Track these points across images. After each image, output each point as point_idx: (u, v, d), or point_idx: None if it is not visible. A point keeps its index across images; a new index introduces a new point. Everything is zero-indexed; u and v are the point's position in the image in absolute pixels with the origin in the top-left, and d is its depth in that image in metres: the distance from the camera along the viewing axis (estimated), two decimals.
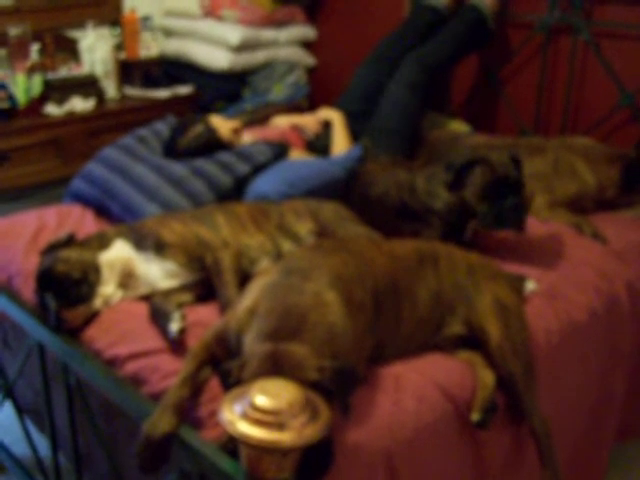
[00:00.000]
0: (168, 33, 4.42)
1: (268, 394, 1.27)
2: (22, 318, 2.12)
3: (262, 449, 1.24)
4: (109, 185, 2.67)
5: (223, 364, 1.53)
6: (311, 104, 4.33)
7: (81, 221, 2.66)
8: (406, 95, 3.25)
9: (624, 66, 3.20)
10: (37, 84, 3.59)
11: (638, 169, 2.77)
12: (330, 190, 2.64)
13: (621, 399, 2.37)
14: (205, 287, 2.12)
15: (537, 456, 1.85)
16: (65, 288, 1.99)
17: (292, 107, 4.14)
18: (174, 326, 1.84)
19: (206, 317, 1.99)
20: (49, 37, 3.82)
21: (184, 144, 2.82)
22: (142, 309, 2.04)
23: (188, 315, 1.93)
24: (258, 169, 2.74)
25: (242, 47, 4.06)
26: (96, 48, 3.88)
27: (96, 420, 1.97)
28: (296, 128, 3.37)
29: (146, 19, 4.18)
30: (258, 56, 4.19)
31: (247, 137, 3.05)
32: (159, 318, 1.93)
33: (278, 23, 4.25)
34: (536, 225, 2.57)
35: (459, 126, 3.57)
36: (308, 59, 4.45)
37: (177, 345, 1.85)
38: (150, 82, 4.04)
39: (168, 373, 1.77)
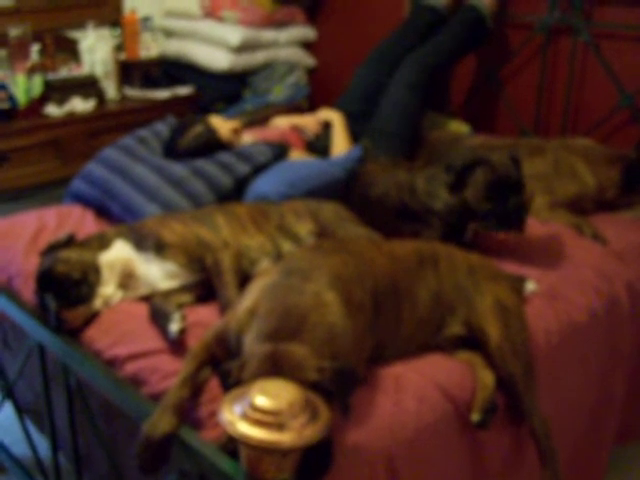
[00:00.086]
0: (168, 34, 4.42)
1: (268, 394, 1.27)
2: (22, 319, 2.12)
3: (262, 449, 1.24)
4: (109, 185, 2.67)
5: (223, 364, 1.53)
6: (311, 105, 4.33)
7: (81, 222, 2.66)
8: (406, 95, 3.25)
9: (624, 67, 3.20)
10: (37, 85, 3.59)
11: (638, 170, 2.77)
12: (330, 191, 2.64)
13: (621, 400, 2.36)
14: (205, 288, 2.12)
15: (537, 456, 1.84)
16: (65, 289, 1.99)
17: (292, 108, 4.14)
18: (174, 326, 1.84)
19: (206, 318, 1.99)
20: (49, 38, 3.82)
21: (184, 144, 2.82)
22: (142, 310, 2.04)
23: (188, 316, 1.93)
24: (258, 170, 2.74)
25: (242, 48, 4.06)
26: (96, 49, 3.89)
27: (96, 420, 1.97)
28: (296, 129, 3.37)
29: (146, 20, 4.18)
30: (258, 57, 4.19)
31: (247, 138, 3.05)
32: (159, 319, 1.93)
33: (278, 24, 4.26)
34: (536, 226, 2.56)
35: (459, 126, 3.57)
36: (308, 60, 4.45)
37: (177, 346, 1.85)
38: (150, 83, 4.04)
39: (168, 373, 1.77)
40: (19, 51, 3.64)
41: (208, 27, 4.17)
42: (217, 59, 4.08)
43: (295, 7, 4.33)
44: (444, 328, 1.90)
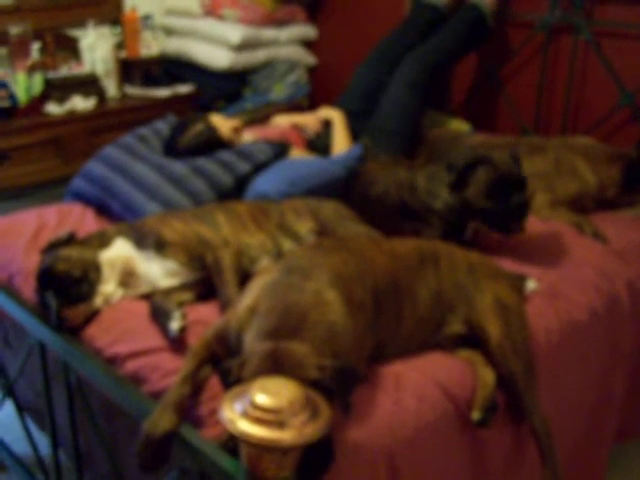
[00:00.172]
0: (169, 32, 4.42)
1: (268, 392, 1.27)
2: (23, 317, 2.12)
3: (262, 447, 1.24)
4: (109, 184, 2.67)
5: (223, 363, 1.53)
6: (311, 103, 4.33)
7: (81, 220, 2.66)
8: (406, 94, 3.25)
9: (624, 66, 3.20)
10: (38, 83, 3.59)
11: (639, 168, 2.77)
12: (330, 189, 2.64)
13: (621, 399, 2.36)
14: (205, 286, 2.12)
15: (537, 455, 1.85)
16: (66, 287, 1.99)
17: (293, 106, 4.15)
18: (174, 325, 1.84)
19: (206, 316, 1.99)
20: (50, 36, 3.82)
21: (184, 143, 2.82)
22: (142, 308, 2.04)
23: (188, 314, 1.93)
24: (258, 168, 2.74)
25: (243, 46, 4.06)
26: (97, 47, 3.89)
27: (96, 419, 1.97)
28: (296, 127, 3.37)
29: (147, 18, 4.18)
30: (259, 55, 4.19)
31: (247, 136, 3.05)
32: (159, 317, 1.93)
33: (279, 22, 4.26)
34: (537, 224, 2.56)
35: (459, 125, 3.57)
36: (309, 58, 4.45)
37: (177, 344, 1.85)
38: (150, 81, 4.04)
39: (168, 372, 1.77)
40: (19, 49, 3.64)
41: (208, 25, 4.17)
42: (217, 57, 4.08)
43: (296, 5, 4.33)
44: (444, 326, 1.90)
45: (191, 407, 1.66)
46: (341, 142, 3.19)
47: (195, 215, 2.25)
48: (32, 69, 3.62)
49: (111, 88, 3.93)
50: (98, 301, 2.04)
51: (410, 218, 2.49)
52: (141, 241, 2.14)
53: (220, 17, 4.15)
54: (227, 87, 4.22)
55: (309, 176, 2.63)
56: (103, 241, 2.14)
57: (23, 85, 3.53)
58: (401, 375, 1.77)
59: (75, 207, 2.75)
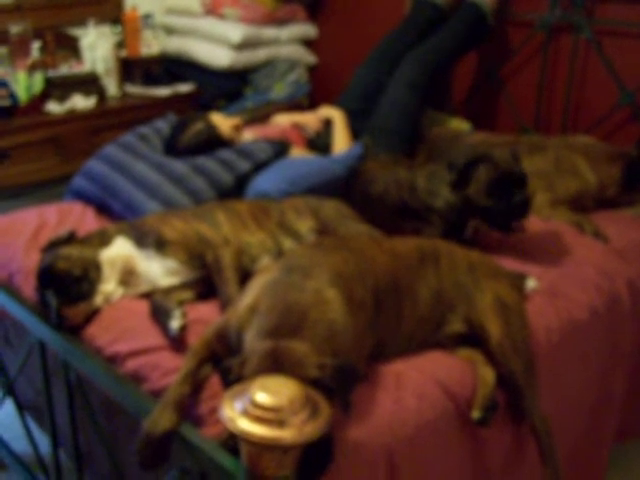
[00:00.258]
0: (169, 31, 4.42)
1: (268, 391, 1.27)
2: (23, 315, 2.12)
3: (262, 446, 1.24)
4: (110, 183, 2.67)
5: (224, 361, 1.53)
6: (312, 102, 4.33)
7: (82, 219, 2.66)
8: (406, 94, 3.25)
9: (625, 64, 3.20)
10: (38, 82, 3.59)
11: (639, 167, 2.77)
12: (331, 188, 2.64)
13: (621, 398, 2.36)
14: (206, 285, 2.12)
15: (537, 454, 1.85)
16: (66, 285, 1.99)
17: (293, 105, 4.15)
18: (175, 323, 1.84)
19: (207, 314, 1.99)
20: (50, 35, 3.82)
21: (184, 141, 2.82)
22: (143, 306, 2.04)
23: (189, 312, 1.93)
24: (259, 167, 2.74)
25: (243, 45, 4.06)
26: (97, 46, 3.89)
27: (97, 417, 1.97)
28: (297, 126, 3.37)
29: (147, 17, 4.18)
30: (259, 54, 4.19)
31: (248, 135, 3.05)
32: (160, 315, 1.93)
33: (279, 21, 4.26)
34: (537, 223, 2.56)
35: (459, 124, 3.57)
36: (309, 57, 4.45)
37: (178, 342, 1.85)
38: (151, 80, 4.04)
39: (169, 370, 1.77)
40: (20, 48, 3.64)
41: (209, 24, 4.17)
42: (218, 56, 4.08)
43: (296, 5, 4.33)
44: (444, 325, 1.90)
45: (191, 406, 1.66)
46: (341, 141, 3.19)
47: (195, 214, 2.25)
48: (32, 68, 3.62)
49: (111, 87, 3.93)
50: (98, 300, 2.04)
51: (410, 217, 2.49)
52: (141, 240, 2.14)
53: (221, 16, 4.15)
54: (227, 86, 4.21)
55: (309, 175, 2.63)
56: (103, 240, 2.14)
57: (23, 84, 3.53)
58: (401, 374, 1.77)
59: (75, 206, 2.75)
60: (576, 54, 3.34)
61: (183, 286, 2.11)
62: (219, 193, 2.63)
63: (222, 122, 2.90)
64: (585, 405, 2.24)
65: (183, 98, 4.08)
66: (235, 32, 4.01)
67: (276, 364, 1.40)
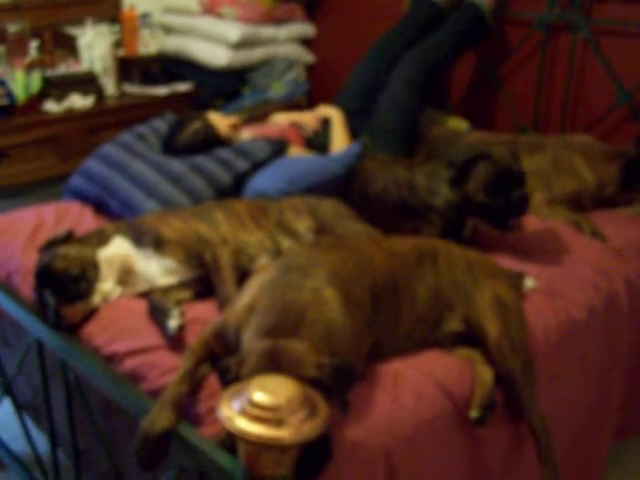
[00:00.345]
0: (167, 30, 4.41)
1: (266, 390, 1.27)
2: (21, 315, 2.12)
3: (261, 445, 1.24)
4: (108, 182, 2.66)
5: (222, 361, 1.53)
6: (310, 101, 4.33)
7: (80, 218, 2.66)
8: (404, 93, 3.25)
9: (623, 64, 3.20)
10: (36, 81, 3.58)
11: (637, 167, 2.77)
12: (329, 187, 2.64)
13: (620, 397, 2.37)
14: (204, 284, 2.11)
15: (536, 453, 1.85)
16: (64, 285, 1.99)
17: (291, 104, 4.15)
18: (173, 323, 1.84)
19: (205, 314, 1.99)
20: (48, 34, 3.82)
21: (182, 140, 2.81)
22: (141, 306, 2.03)
23: (187, 312, 1.93)
24: (257, 166, 2.74)
25: (241, 44, 4.06)
26: (95, 45, 3.88)
27: (95, 417, 1.97)
28: (295, 125, 3.37)
29: (145, 16, 4.17)
30: (257, 53, 4.18)
31: (246, 134, 3.04)
32: (158, 315, 1.93)
33: (277, 20, 4.25)
34: (535, 222, 2.57)
35: (458, 123, 3.57)
36: (307, 56, 4.44)
37: (176, 342, 1.85)
38: (149, 79, 4.04)
39: (167, 370, 1.77)
40: (18, 47, 3.64)
41: (207, 23, 4.17)
42: (216, 56, 4.08)
43: (294, 4, 4.32)
44: (443, 324, 1.90)
45: (189, 405, 1.66)
46: (340, 140, 3.19)
47: (193, 213, 2.25)
48: (30, 67, 3.61)
49: (109, 86, 3.93)
50: (96, 299, 2.04)
51: (409, 216, 2.49)
52: (139, 239, 2.14)
53: (219, 15, 4.15)
54: (226, 85, 4.21)
55: (308, 174, 2.62)
56: (101, 239, 2.14)
57: (21, 83, 3.53)
58: (399, 373, 1.77)
59: (73, 205, 2.75)
60: (574, 53, 3.34)
61: (181, 285, 2.11)
62: (217, 192, 2.62)
63: (220, 121, 2.90)
64: (584, 404, 2.24)
65: (181, 97, 4.08)
66: (233, 31, 4.01)
67: (274, 363, 1.40)
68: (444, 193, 2.39)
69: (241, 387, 1.31)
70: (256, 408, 1.25)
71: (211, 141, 2.83)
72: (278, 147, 2.85)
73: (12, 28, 3.62)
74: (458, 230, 2.41)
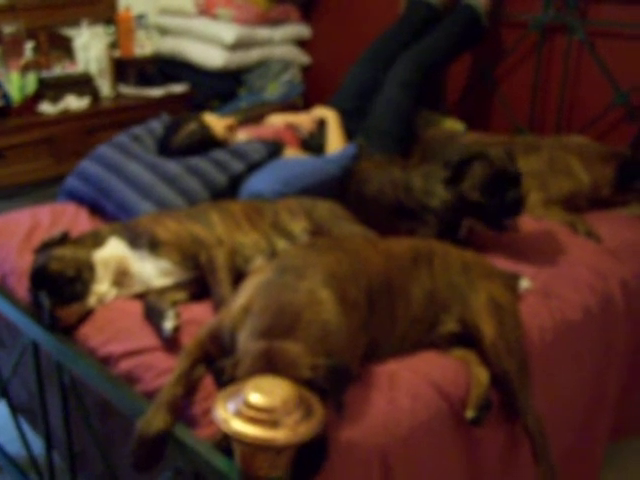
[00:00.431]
0: (163, 31, 4.41)
1: (262, 392, 1.27)
2: (16, 316, 2.12)
3: (256, 447, 1.24)
4: (104, 183, 2.66)
5: (217, 362, 1.53)
6: (306, 103, 4.33)
7: (75, 219, 2.65)
8: (399, 94, 3.25)
9: (618, 65, 3.20)
10: (31, 82, 3.58)
11: (633, 168, 2.77)
12: (325, 188, 2.64)
13: (615, 397, 2.37)
14: (199, 285, 2.11)
15: (531, 454, 1.85)
16: (59, 286, 1.99)
17: (287, 106, 4.15)
18: (168, 324, 1.84)
19: (200, 315, 1.99)
20: (43, 35, 3.81)
21: (177, 142, 2.81)
22: (136, 307, 2.03)
23: (182, 313, 1.93)
24: (253, 167, 2.74)
25: (237, 45, 4.06)
26: (90, 46, 3.88)
27: (90, 419, 1.96)
28: (291, 127, 3.37)
29: (141, 17, 4.17)
30: (253, 55, 4.18)
31: (242, 135, 3.04)
32: (153, 316, 1.93)
33: (273, 22, 4.25)
34: (530, 223, 2.57)
35: (453, 124, 3.57)
36: (303, 58, 4.45)
37: (171, 343, 1.85)
38: (145, 80, 4.03)
39: (162, 371, 1.77)
40: (13, 48, 3.63)
41: (203, 25, 4.17)
42: (212, 57, 4.08)
43: (290, 5, 4.32)
44: (438, 325, 1.90)
45: (185, 406, 1.66)
46: (335, 141, 3.19)
47: (189, 214, 2.25)
48: (26, 68, 3.61)
49: (105, 87, 3.92)
50: (92, 300, 2.04)
51: (405, 217, 2.49)
52: (135, 240, 2.14)
53: (214, 16, 4.14)
54: (221, 86, 4.21)
55: (303, 175, 2.62)
56: (97, 241, 2.14)
57: (17, 84, 3.52)
58: (395, 374, 1.77)
59: (69, 207, 2.74)
60: (570, 54, 3.35)
61: (177, 287, 2.11)
62: (213, 193, 2.62)
63: (216, 122, 2.90)
64: (579, 404, 2.24)
65: (177, 98, 4.07)
66: (229, 32, 4.01)
67: (269, 365, 1.40)
68: (440, 193, 2.39)
69: (236, 388, 1.31)
70: (251, 409, 1.25)
71: (207, 142, 2.83)
72: (274, 148, 2.85)
73: (7, 29, 3.62)
74: (454, 231, 2.42)
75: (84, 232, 2.24)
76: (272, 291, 1.59)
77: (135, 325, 1.96)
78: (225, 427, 1.25)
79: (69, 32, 3.98)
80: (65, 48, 3.96)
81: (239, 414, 1.25)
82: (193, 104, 4.11)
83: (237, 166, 2.71)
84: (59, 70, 3.81)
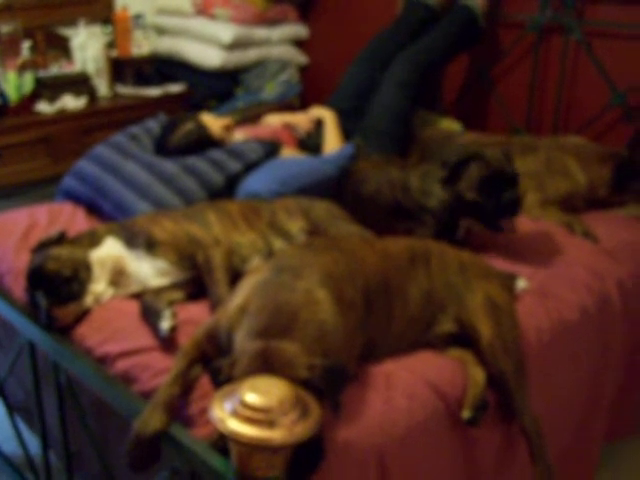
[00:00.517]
0: (160, 31, 4.41)
1: (258, 392, 1.27)
2: (13, 316, 2.11)
3: (252, 447, 1.24)
4: (100, 183, 2.66)
5: (214, 362, 1.52)
6: (303, 102, 4.33)
7: (72, 219, 2.65)
8: (397, 94, 3.25)
9: (615, 65, 3.21)
10: (28, 82, 3.58)
11: (629, 168, 2.77)
12: (322, 188, 2.64)
13: (611, 398, 2.37)
14: (196, 285, 2.11)
15: (528, 454, 1.85)
16: (56, 286, 1.99)
17: (284, 105, 4.14)
18: (165, 324, 1.84)
19: (197, 315, 1.99)
20: (40, 34, 3.81)
21: (174, 142, 2.81)
22: (133, 307, 2.03)
23: (179, 313, 1.93)
24: (250, 167, 2.74)
25: (234, 45, 4.06)
26: (88, 46, 3.88)
27: (87, 418, 1.96)
28: (288, 126, 3.37)
29: (138, 17, 4.16)
30: (250, 54, 4.18)
31: (239, 135, 3.04)
32: (150, 316, 1.93)
33: (270, 21, 4.25)
34: (527, 223, 2.57)
35: (450, 124, 3.57)
36: (300, 57, 4.44)
37: (168, 343, 1.85)
38: (142, 80, 4.03)
39: (159, 371, 1.77)
40: (10, 48, 3.63)
41: (200, 25, 4.17)
42: (209, 57, 4.08)
43: (287, 5, 4.32)
44: (435, 325, 1.90)
45: (181, 406, 1.65)
46: (332, 141, 3.19)
47: (186, 214, 2.25)
48: (23, 68, 3.61)
49: (102, 87, 3.92)
50: (88, 300, 2.04)
51: (403, 217, 2.49)
52: (131, 240, 2.13)
53: (212, 16, 4.14)
54: (219, 86, 4.21)
55: (300, 175, 2.62)
56: (93, 240, 2.14)
57: (14, 84, 3.52)
58: (392, 374, 1.77)
59: (66, 206, 2.74)
60: (567, 55, 3.35)
61: (173, 286, 2.11)
62: (210, 193, 2.62)
63: (213, 122, 2.90)
64: (576, 405, 2.24)
65: (174, 98, 4.07)
66: (226, 32, 4.01)
67: (266, 365, 1.40)
68: (437, 194, 2.39)
69: (233, 388, 1.31)
70: (248, 409, 1.25)
71: (204, 142, 2.83)
72: (271, 148, 2.85)
73: (4, 29, 3.61)
74: (451, 231, 2.42)
75: (81, 232, 2.23)
76: (269, 291, 1.59)
77: (132, 325, 1.96)
78: (222, 427, 1.25)
79: (66, 32, 3.97)
80: (62, 48, 3.96)
81: (236, 414, 1.25)
82: (190, 104, 4.11)
83: (234, 166, 2.71)
84: (56, 70, 3.81)
